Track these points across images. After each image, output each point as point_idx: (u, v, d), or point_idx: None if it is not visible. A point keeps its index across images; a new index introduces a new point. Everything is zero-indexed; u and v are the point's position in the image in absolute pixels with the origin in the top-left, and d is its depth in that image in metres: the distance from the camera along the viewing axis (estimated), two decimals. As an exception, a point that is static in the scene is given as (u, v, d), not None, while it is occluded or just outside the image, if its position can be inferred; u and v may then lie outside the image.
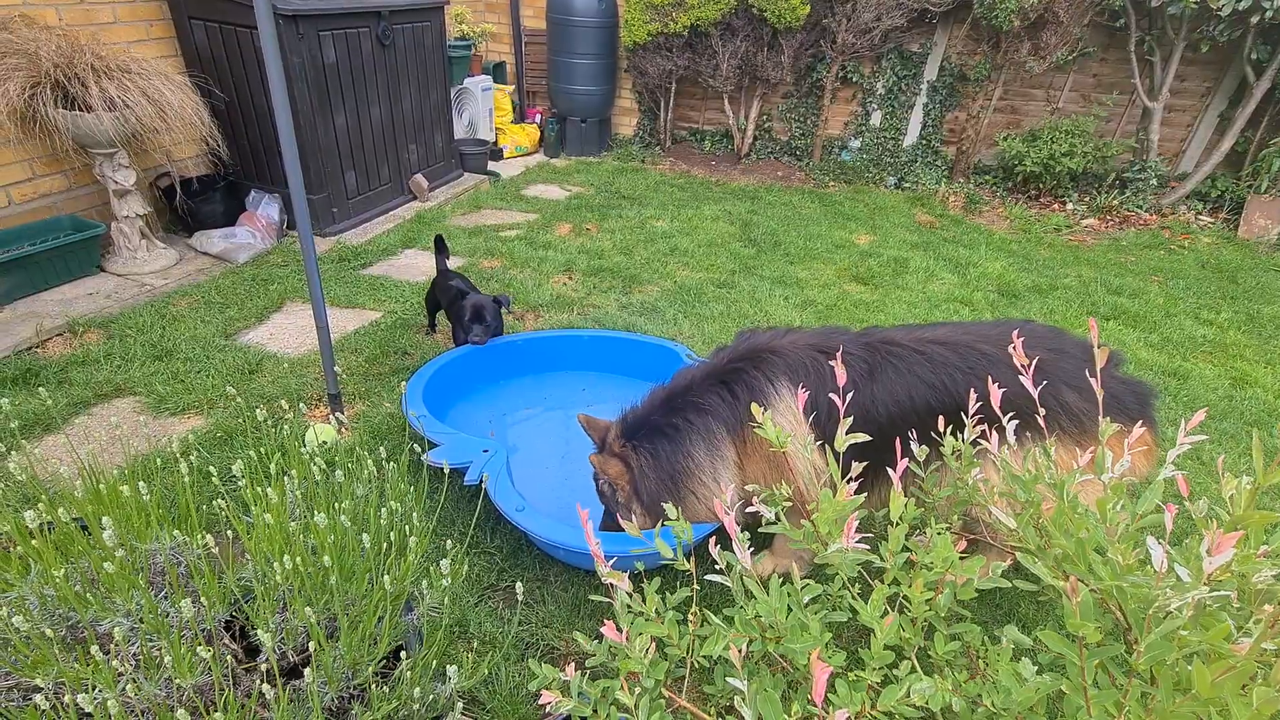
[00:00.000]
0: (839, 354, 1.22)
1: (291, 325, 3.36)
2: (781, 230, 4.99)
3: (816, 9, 5.52)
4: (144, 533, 1.08)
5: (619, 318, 3.61)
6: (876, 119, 6.20)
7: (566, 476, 2.52)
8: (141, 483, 1.22)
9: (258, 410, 1.51)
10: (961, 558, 1.05)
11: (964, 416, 1.25)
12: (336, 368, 2.91)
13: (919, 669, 1.01)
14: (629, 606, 1.04)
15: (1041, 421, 1.22)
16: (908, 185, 6.00)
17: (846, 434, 1.14)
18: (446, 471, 1.53)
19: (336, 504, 1.17)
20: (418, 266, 4.06)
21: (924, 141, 6.16)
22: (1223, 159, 5.37)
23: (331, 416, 2.63)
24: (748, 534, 1.22)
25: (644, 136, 6.72)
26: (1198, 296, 4.31)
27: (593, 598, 1.32)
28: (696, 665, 1.04)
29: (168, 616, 0.92)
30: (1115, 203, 5.52)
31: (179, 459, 1.34)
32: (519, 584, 1.32)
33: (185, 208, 3.94)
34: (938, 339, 1.88)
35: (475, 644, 1.84)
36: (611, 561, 1.05)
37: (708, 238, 4.77)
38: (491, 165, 5.88)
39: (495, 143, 6.18)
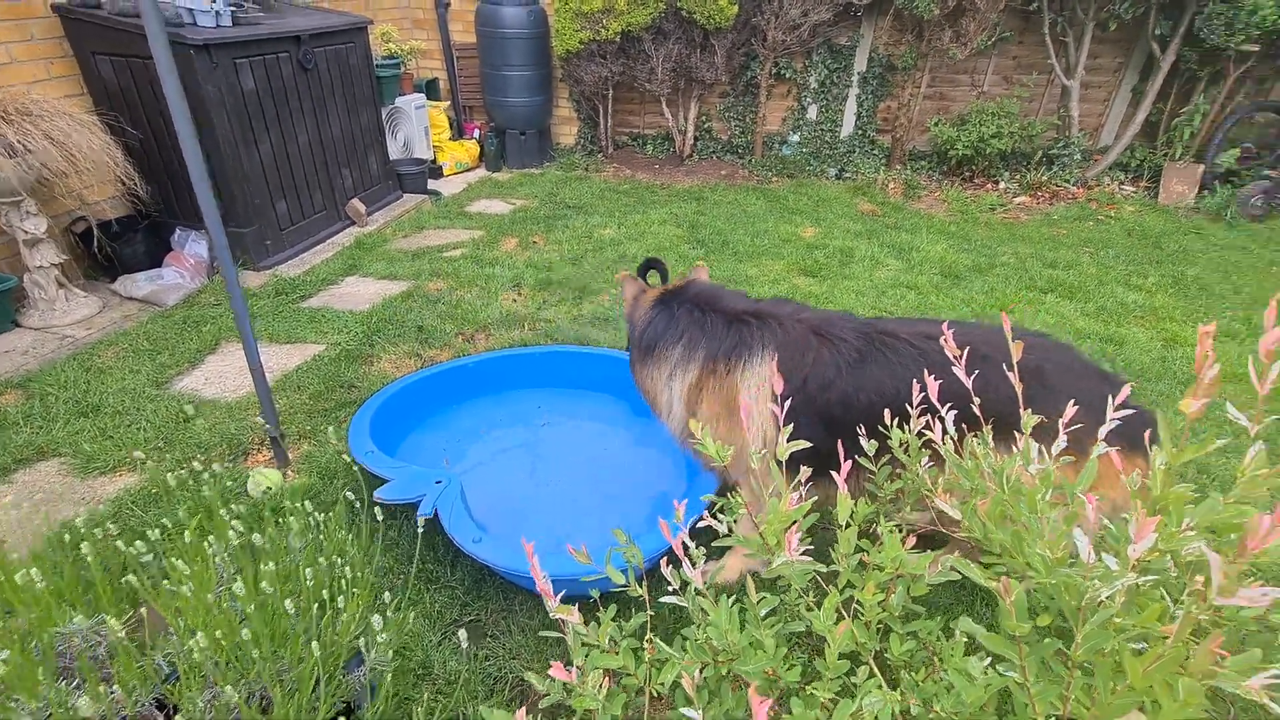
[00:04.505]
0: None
1: (228, 367, 3.22)
2: (729, 229, 5.02)
3: (745, 8, 5.58)
4: (50, 618, 0.99)
5: (571, 330, 3.56)
6: (813, 113, 6.31)
7: (530, 497, 2.47)
8: (53, 561, 1.13)
9: (194, 461, 1.42)
10: (914, 553, 1.05)
11: (937, 411, 1.24)
12: (278, 406, 2.80)
13: (877, 673, 1.00)
14: (582, 638, 1.01)
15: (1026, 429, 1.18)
16: (848, 175, 6.12)
17: (790, 440, 1.13)
18: (394, 508, 1.47)
19: (264, 565, 1.10)
20: (361, 294, 3.95)
21: (860, 132, 6.30)
22: (1139, 130, 5.63)
23: (274, 460, 2.53)
24: (703, 550, 1.20)
25: (585, 144, 6.70)
26: (1127, 264, 4.50)
27: (544, 633, 1.27)
28: (655, 693, 1.01)
29: (75, 711, 0.85)
30: (1044, 179, 5.72)
31: (99, 527, 1.25)
32: (462, 632, 1.27)
33: (106, 252, 3.74)
34: (936, 335, 1.85)
35: (439, 684, 1.78)
36: (560, 595, 1.02)
37: (656, 242, 4.77)
38: (432, 184, 5.77)
39: (434, 161, 6.07)
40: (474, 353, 3.29)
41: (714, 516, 1.21)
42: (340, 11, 4.91)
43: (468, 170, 6.34)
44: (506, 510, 2.43)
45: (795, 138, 6.40)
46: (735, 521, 1.18)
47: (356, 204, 4.80)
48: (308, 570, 1.08)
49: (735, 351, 1.87)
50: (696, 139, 6.54)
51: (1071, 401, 1.07)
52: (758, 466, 1.91)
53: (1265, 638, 0.81)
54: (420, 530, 1.76)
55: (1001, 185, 5.86)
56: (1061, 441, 1.16)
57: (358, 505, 1.77)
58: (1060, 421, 1.20)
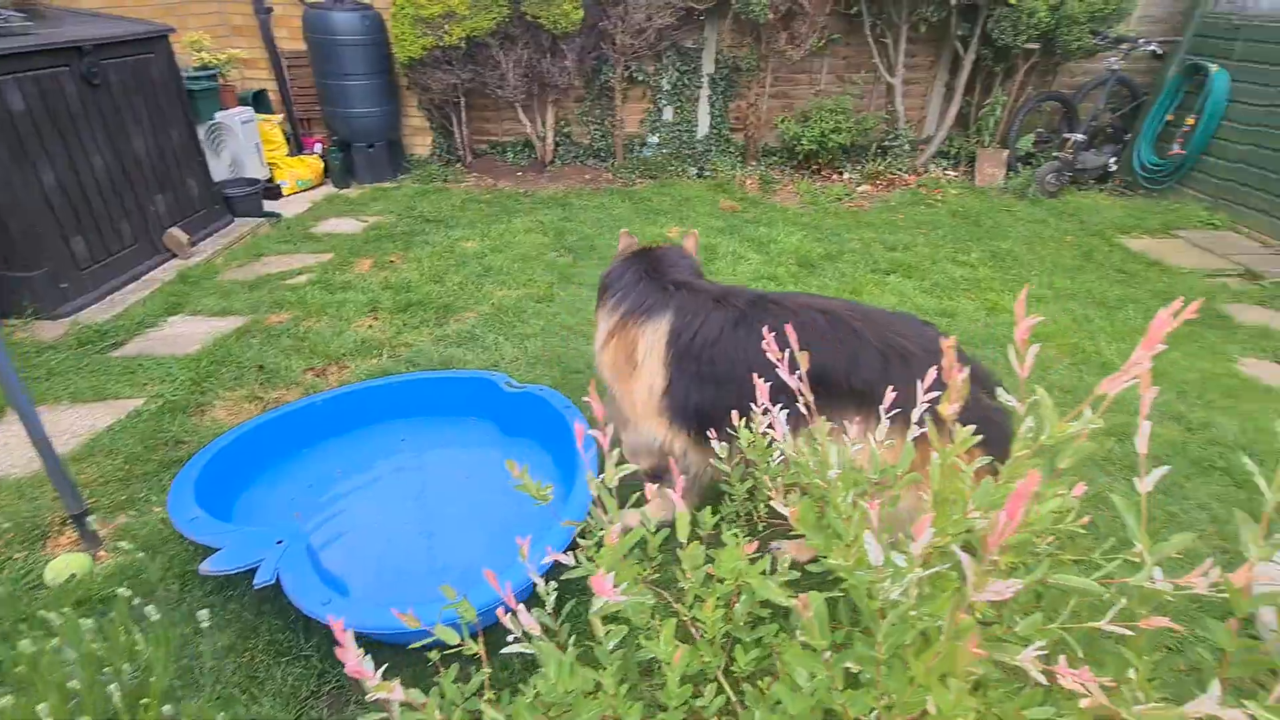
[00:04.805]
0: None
1: (16, 435, 2.73)
2: (595, 234, 5.00)
3: (591, 13, 5.59)
4: None
5: (435, 353, 3.38)
6: (668, 114, 6.44)
7: (400, 541, 2.29)
8: None
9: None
10: (754, 559, 1.05)
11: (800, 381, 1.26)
12: (87, 475, 2.41)
13: (726, 688, 0.99)
14: (411, 708, 0.91)
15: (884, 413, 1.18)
16: (708, 174, 6.31)
17: (676, 393, 1.09)
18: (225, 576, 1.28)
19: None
20: (188, 335, 3.51)
21: (715, 131, 6.52)
22: (953, 121, 6.25)
23: (81, 541, 2.17)
24: (554, 584, 1.14)
25: (442, 154, 6.42)
26: (953, 242, 4.98)
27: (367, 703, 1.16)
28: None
29: None
30: (881, 168, 6.21)
31: None
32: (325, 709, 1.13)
33: None
34: (820, 307, 1.92)
35: (295, 771, 1.59)
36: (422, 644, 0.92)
37: (522, 252, 4.65)
38: (270, 205, 5.28)
39: (271, 180, 5.55)
40: (326, 389, 3.02)
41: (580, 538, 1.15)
42: (133, 19, 4.35)
43: (311, 188, 5.86)
44: (372, 559, 2.24)
45: (654, 139, 6.51)
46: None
47: (176, 233, 4.28)
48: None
49: (646, 310, 2.03)
50: (558, 145, 6.47)
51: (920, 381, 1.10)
52: (638, 415, 2.06)
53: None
54: (263, 597, 1.56)
55: (846, 176, 6.30)
56: (884, 424, 1.21)
57: (176, 587, 1.54)
58: (882, 407, 1.26)
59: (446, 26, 5.27)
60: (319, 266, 4.37)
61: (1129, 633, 0.75)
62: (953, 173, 6.37)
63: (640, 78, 6.21)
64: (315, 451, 2.61)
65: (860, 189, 6.10)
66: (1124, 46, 5.52)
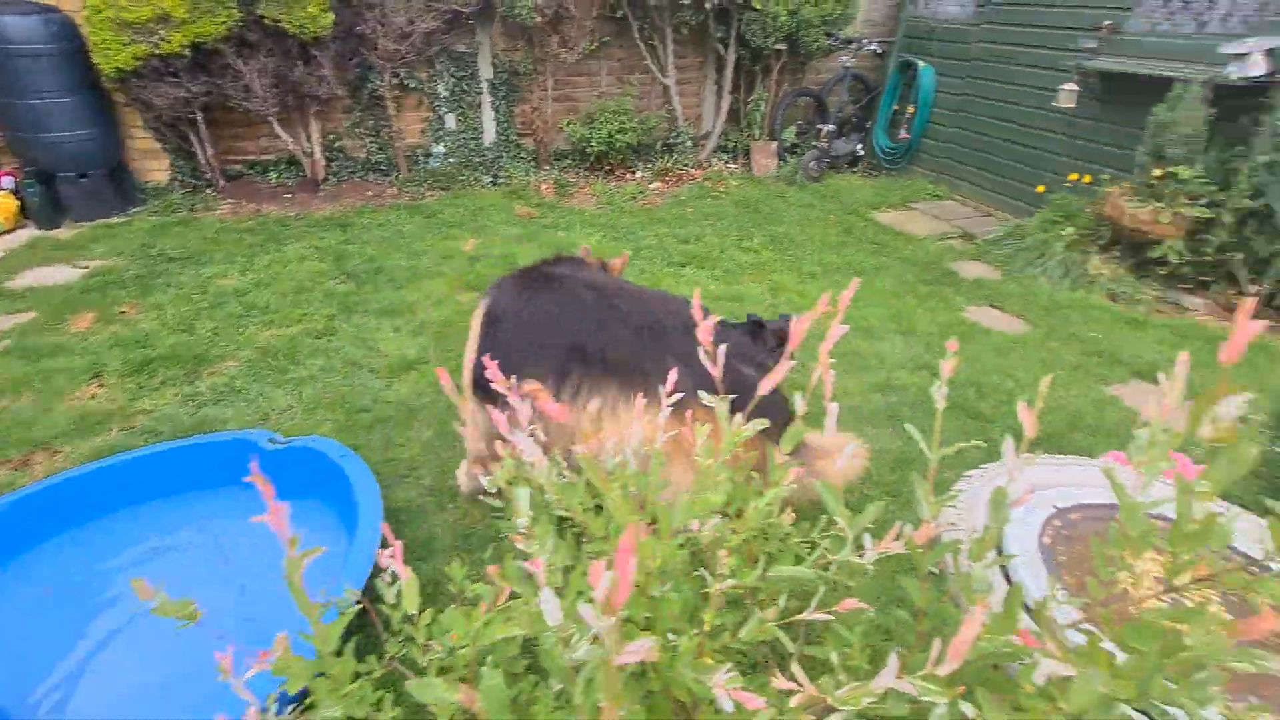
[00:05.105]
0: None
1: None
2: (382, 255, 4.62)
3: (344, 17, 5.13)
4: None
5: (184, 417, 2.86)
6: (451, 122, 6.16)
7: (161, 658, 1.87)
8: None
9: None
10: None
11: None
12: None
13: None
14: None
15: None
16: (502, 181, 6.15)
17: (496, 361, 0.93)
18: None
19: None
20: None
21: (503, 137, 6.35)
22: (727, 117, 6.72)
23: None
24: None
25: (185, 179, 5.53)
26: (738, 230, 5.34)
27: None
28: None
29: None
30: (669, 165, 6.49)
31: None
32: None
33: None
34: (593, 283, 2.10)
35: None
36: None
37: (295, 283, 4.14)
38: (-62, 259, 4.15)
39: (-63, 227, 4.37)
40: (26, 484, 2.41)
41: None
42: None
43: (5, 233, 4.73)
44: (124, 688, 1.81)
45: (440, 149, 6.19)
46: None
47: None
48: None
49: (490, 294, 2.20)
50: (330, 160, 5.89)
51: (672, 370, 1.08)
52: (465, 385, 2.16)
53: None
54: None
55: (638, 175, 6.49)
56: (637, 416, 1.18)
57: None
58: (634, 401, 1.23)
59: (162, 32, 4.51)
60: (16, 330, 3.51)
61: (829, 618, 0.77)
62: (733, 165, 6.84)
63: (413, 85, 5.85)
64: (15, 565, 2.06)
65: (652, 186, 6.32)
66: (852, 46, 6.30)
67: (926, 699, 0.61)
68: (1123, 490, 0.72)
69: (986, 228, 5.46)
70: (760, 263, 4.73)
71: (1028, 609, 0.98)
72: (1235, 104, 4.07)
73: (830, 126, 6.47)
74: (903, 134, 6.58)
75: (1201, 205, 4.10)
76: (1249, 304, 0.64)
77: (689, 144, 6.64)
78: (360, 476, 2.16)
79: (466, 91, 6.07)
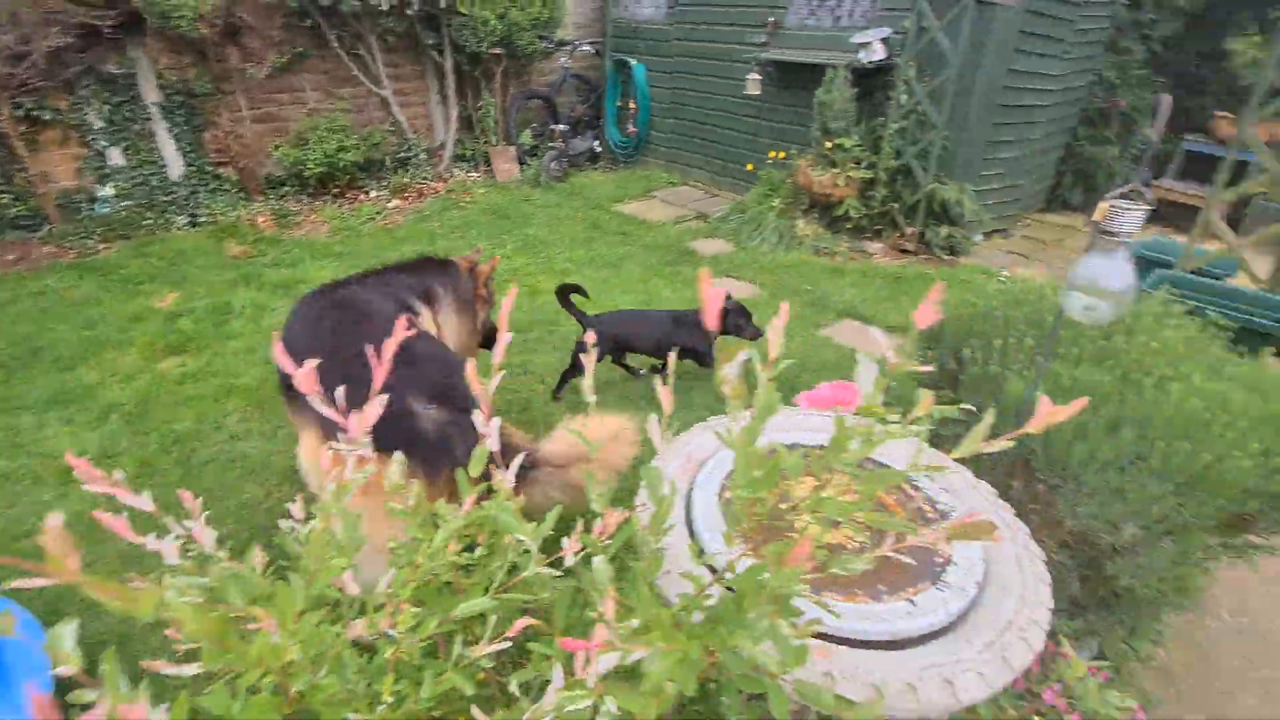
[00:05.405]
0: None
1: None
2: (39, 331, 3.67)
3: (-88, 34, 3.93)
4: None
5: None
6: (117, 156, 5.10)
7: None
8: None
9: None
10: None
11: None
12: None
13: None
14: None
15: None
16: (204, 220, 5.26)
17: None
18: None
19: None
20: None
21: (195, 169, 5.44)
22: (459, 125, 6.52)
23: None
24: None
25: None
26: (489, 238, 5.22)
27: None
28: None
29: None
30: (407, 181, 6.11)
31: None
32: None
33: None
34: (337, 300, 2.08)
35: None
36: None
37: (-103, 391, 3.09)
38: None
39: None
40: None
41: None
42: None
43: None
44: None
45: (108, 190, 5.10)
46: None
47: None
48: None
49: None
50: (-62, 221, 4.52)
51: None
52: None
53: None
54: None
55: (373, 194, 6.01)
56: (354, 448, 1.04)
57: None
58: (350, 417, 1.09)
59: None
60: None
61: (507, 645, 0.74)
62: (475, 174, 6.68)
63: (49, 116, 4.72)
64: None
65: (392, 204, 5.91)
66: (567, 48, 6.50)
67: (570, 708, 0.60)
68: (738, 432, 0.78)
69: (716, 207, 6.04)
70: (515, 268, 4.67)
71: (712, 568, 1.05)
72: (870, 83, 4.99)
73: (563, 126, 6.63)
74: (631, 128, 6.98)
75: (864, 169, 4.97)
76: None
77: (424, 156, 6.32)
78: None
79: (131, 119, 5.07)
